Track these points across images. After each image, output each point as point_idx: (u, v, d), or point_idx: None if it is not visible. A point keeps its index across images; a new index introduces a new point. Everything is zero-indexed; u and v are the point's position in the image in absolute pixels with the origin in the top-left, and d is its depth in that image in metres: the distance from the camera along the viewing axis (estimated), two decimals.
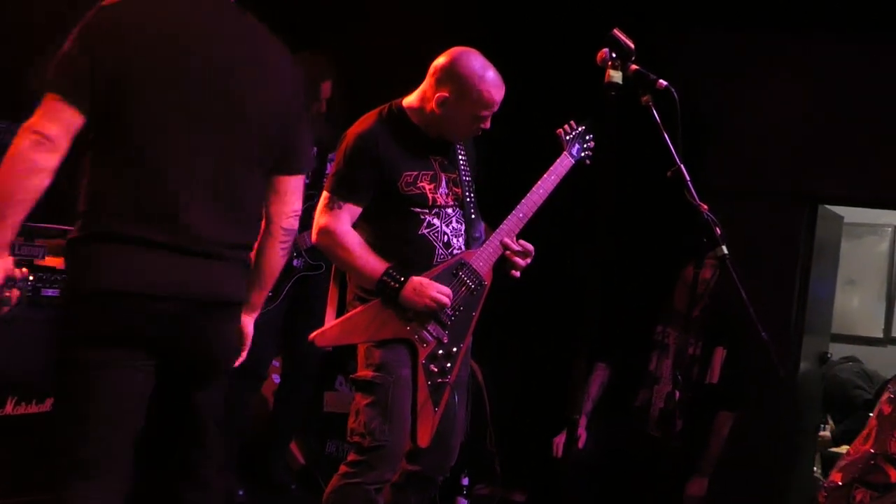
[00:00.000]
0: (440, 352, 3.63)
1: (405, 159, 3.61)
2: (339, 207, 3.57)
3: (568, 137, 3.90)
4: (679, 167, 3.02)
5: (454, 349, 3.66)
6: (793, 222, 6.01)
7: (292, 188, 3.01)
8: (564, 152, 3.89)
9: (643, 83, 3.04)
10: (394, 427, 3.56)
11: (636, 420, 4.86)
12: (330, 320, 3.73)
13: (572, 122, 3.93)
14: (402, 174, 3.59)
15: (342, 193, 3.58)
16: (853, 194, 6.10)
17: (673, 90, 3.01)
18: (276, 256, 3.08)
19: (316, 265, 4.84)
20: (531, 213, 3.79)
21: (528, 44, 5.80)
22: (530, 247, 3.79)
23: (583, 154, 3.94)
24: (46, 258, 4.38)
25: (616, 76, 2.94)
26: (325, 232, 3.58)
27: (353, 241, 3.57)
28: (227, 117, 2.78)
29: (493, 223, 3.81)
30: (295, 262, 4.83)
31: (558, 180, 3.86)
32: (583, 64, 3.32)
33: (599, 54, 3.01)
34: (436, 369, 3.61)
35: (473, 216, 3.78)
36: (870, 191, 5.93)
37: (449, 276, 3.65)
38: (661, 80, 3.03)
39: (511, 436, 5.55)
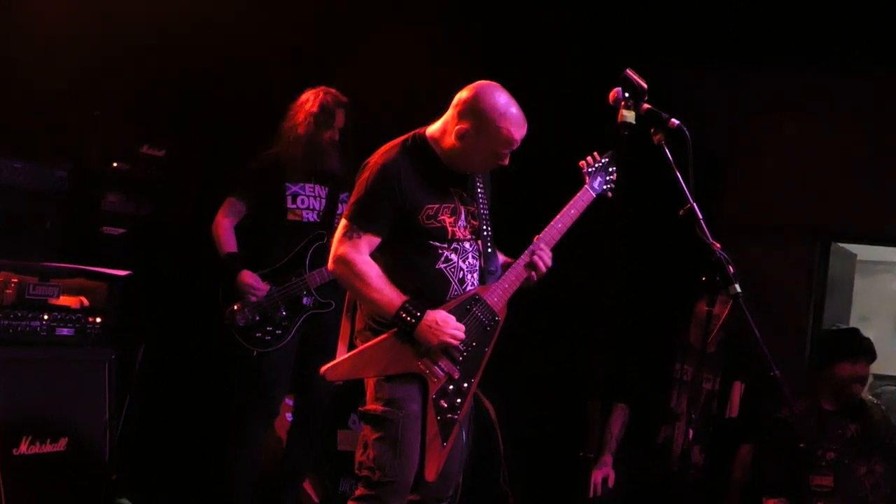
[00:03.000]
0: (451, 387, 3.60)
1: (427, 192, 3.60)
2: (358, 237, 3.53)
3: (590, 170, 3.86)
4: (692, 205, 3.04)
5: (465, 385, 3.64)
6: (806, 259, 6.00)
7: None
8: (586, 185, 3.86)
9: (656, 122, 3.07)
10: (403, 462, 3.54)
11: (659, 457, 4.84)
12: (341, 354, 3.72)
13: (595, 154, 3.89)
14: (423, 207, 3.57)
15: (361, 223, 3.54)
16: (866, 232, 6.09)
17: (685, 129, 3.03)
18: None
19: (326, 303, 4.84)
20: (550, 246, 3.77)
21: (540, 78, 5.82)
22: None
23: (605, 187, 3.90)
24: (61, 297, 4.40)
25: (629, 116, 2.97)
26: (343, 261, 3.53)
27: (371, 272, 3.52)
28: None
29: (511, 254, 3.80)
30: (305, 301, 4.83)
31: (578, 214, 3.84)
32: (595, 100, 3.35)
33: (612, 93, 3.03)
34: (446, 405, 3.59)
35: (490, 250, 3.77)
36: (883, 228, 5.92)
37: (462, 311, 3.63)
38: (673, 119, 3.06)
39: (526, 475, 5.52)
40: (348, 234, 3.54)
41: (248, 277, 4.76)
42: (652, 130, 3.08)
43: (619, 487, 4.80)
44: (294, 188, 4.88)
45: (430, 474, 3.59)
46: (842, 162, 5.79)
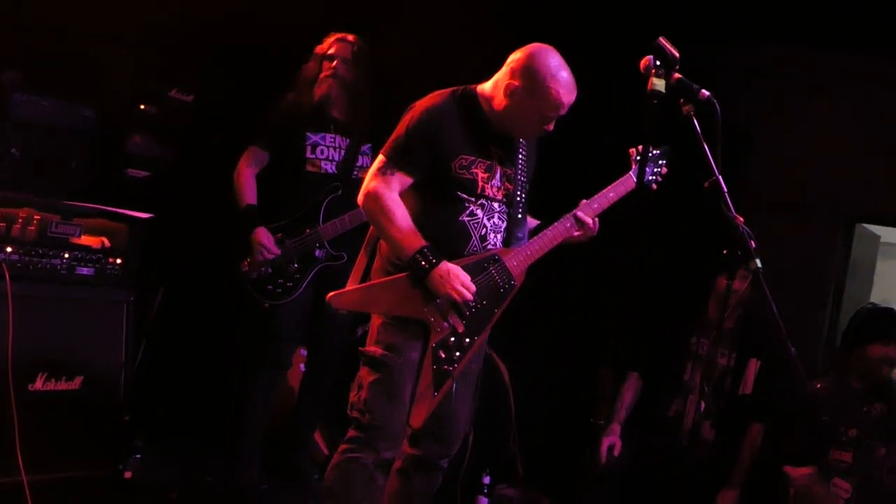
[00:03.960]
0: (452, 339, 3.62)
1: (466, 142, 3.61)
2: (392, 174, 3.56)
3: (639, 157, 3.88)
4: (717, 178, 3.01)
5: (467, 340, 3.65)
6: (828, 239, 5.96)
7: None
8: (630, 172, 3.90)
9: (686, 93, 3.05)
10: (394, 408, 3.58)
11: (669, 430, 4.84)
12: (352, 285, 3.74)
13: (650, 146, 3.92)
14: (458, 156, 3.59)
15: (397, 160, 3.57)
16: (891, 213, 6.05)
17: (715, 101, 3.01)
18: None
19: (338, 255, 4.84)
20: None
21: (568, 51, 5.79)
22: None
23: (650, 178, 3.93)
24: (83, 237, 4.41)
25: (659, 84, 2.95)
26: (372, 196, 3.55)
27: (398, 211, 3.54)
28: None
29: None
30: (317, 253, 4.84)
31: (616, 198, 3.89)
32: (623, 74, 3.33)
33: (643, 61, 3.01)
34: (444, 356, 3.60)
35: (520, 216, 3.78)
36: None
37: (478, 268, 3.65)
38: (703, 91, 3.03)
39: (536, 438, 5.54)
40: (382, 170, 3.57)
41: (263, 237, 4.76)
42: (681, 101, 3.05)
43: (626, 457, 4.80)
44: (315, 138, 4.88)
45: (417, 420, 3.61)
46: (868, 143, 5.73)
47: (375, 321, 3.67)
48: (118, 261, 4.48)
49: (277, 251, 4.77)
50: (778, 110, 5.88)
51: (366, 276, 3.76)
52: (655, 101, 2.93)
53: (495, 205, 3.70)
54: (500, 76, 3.64)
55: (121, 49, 5.19)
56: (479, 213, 3.66)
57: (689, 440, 4.70)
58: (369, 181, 3.58)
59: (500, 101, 3.62)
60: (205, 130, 5.59)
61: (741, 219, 3.08)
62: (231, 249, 4.85)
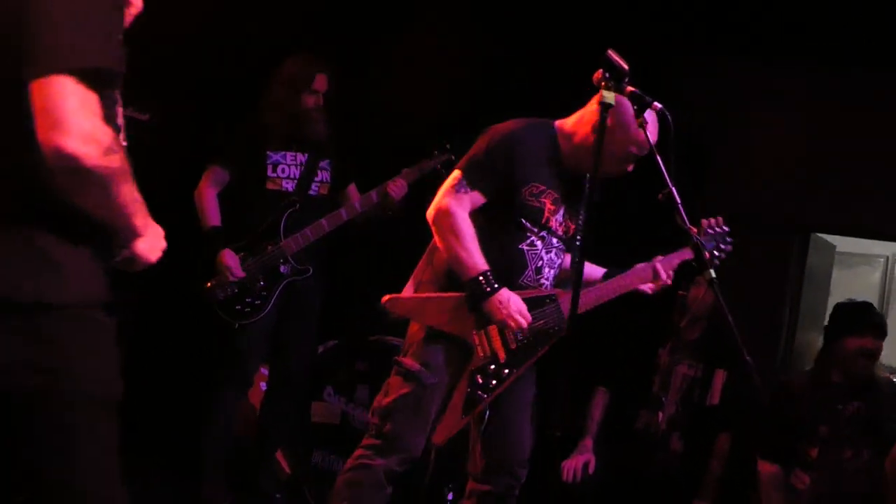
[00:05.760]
0: (492, 367, 3.62)
1: (540, 172, 3.62)
2: (466, 193, 3.56)
3: (709, 231, 3.92)
4: (671, 189, 3.04)
5: (506, 371, 3.64)
6: (785, 249, 6.03)
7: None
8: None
9: (639, 104, 3.07)
10: (417, 424, 3.60)
11: (638, 442, 4.86)
12: (408, 291, 3.74)
13: (719, 219, 3.95)
14: (530, 182, 3.59)
15: (474, 179, 3.57)
16: (846, 223, 6.12)
17: (667, 113, 3.04)
18: None
19: (303, 269, 4.84)
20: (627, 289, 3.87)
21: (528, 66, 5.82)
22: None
23: (715, 253, 3.91)
24: None
25: (609, 96, 2.98)
26: (445, 212, 3.54)
27: (468, 232, 3.54)
28: None
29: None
30: (282, 269, 4.83)
31: (671, 267, 3.89)
32: (581, 87, 3.36)
33: (596, 74, 3.04)
34: (480, 381, 3.61)
35: (576, 259, 3.71)
36: (863, 221, 5.95)
37: (535, 304, 3.65)
38: (656, 103, 3.06)
39: None
40: (457, 188, 3.57)
41: (229, 259, 4.74)
42: (635, 112, 3.09)
43: (598, 472, 4.81)
44: (275, 156, 4.88)
45: (440, 438, 3.64)
46: (823, 154, 5.81)
47: (418, 334, 3.66)
48: None
49: (243, 274, 4.75)
50: (734, 122, 5.94)
51: (419, 286, 3.77)
52: (605, 114, 2.96)
53: (555, 240, 3.71)
54: (588, 111, 3.64)
55: None
56: (539, 244, 3.67)
57: (658, 452, 4.72)
58: (443, 197, 3.58)
59: (584, 136, 3.61)
60: (161, 149, 5.55)
61: (695, 230, 3.11)
62: (194, 269, 4.82)
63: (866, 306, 4.76)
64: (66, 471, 2.18)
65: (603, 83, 2.98)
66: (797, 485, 4.49)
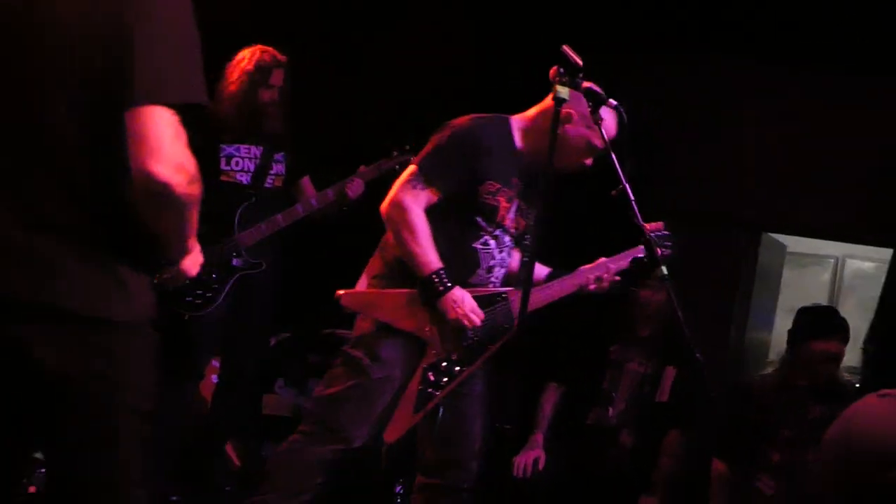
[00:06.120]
0: (444, 364, 3.61)
1: (496, 169, 3.58)
2: (422, 189, 3.52)
3: (653, 235, 3.80)
4: (624, 186, 3.05)
5: (457, 368, 3.63)
6: (736, 248, 6.07)
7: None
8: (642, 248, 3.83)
9: (594, 101, 3.09)
10: (361, 417, 3.57)
11: (589, 438, 4.87)
12: (362, 285, 3.71)
13: (661, 224, 3.93)
14: (487, 180, 3.56)
15: (430, 175, 3.53)
16: (797, 224, 6.18)
17: (622, 110, 3.06)
18: None
19: (256, 263, 4.81)
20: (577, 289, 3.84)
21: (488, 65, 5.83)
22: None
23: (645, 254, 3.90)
24: None
25: (562, 91, 2.99)
26: (399, 207, 3.51)
27: (422, 227, 3.50)
28: None
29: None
30: (234, 262, 4.80)
31: (616, 269, 3.86)
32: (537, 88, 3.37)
33: (552, 71, 3.05)
34: (432, 378, 3.59)
35: (525, 259, 3.77)
36: (813, 221, 6.01)
37: (487, 302, 3.64)
38: (611, 100, 3.08)
39: None
40: (413, 183, 3.53)
41: None
42: (590, 109, 3.10)
43: (549, 467, 4.82)
44: (228, 149, 4.84)
45: (391, 435, 3.60)
46: (776, 154, 5.86)
47: (368, 327, 3.62)
48: None
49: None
50: (687, 121, 5.97)
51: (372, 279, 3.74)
52: (558, 108, 2.97)
53: (507, 238, 3.69)
54: (545, 106, 3.61)
55: None
56: (492, 243, 3.65)
57: (609, 448, 4.74)
58: (398, 191, 3.54)
59: (545, 130, 3.46)
60: None
61: (648, 226, 3.12)
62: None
63: (832, 311, 4.80)
64: (102, 469, 2.34)
65: (557, 78, 2.99)
66: (765, 490, 4.53)
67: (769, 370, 4.87)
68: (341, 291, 3.60)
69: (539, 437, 4.88)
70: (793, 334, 4.66)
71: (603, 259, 3.87)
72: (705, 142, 5.96)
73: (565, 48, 2.99)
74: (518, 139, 3.67)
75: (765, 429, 4.56)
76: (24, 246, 2.20)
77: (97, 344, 2.27)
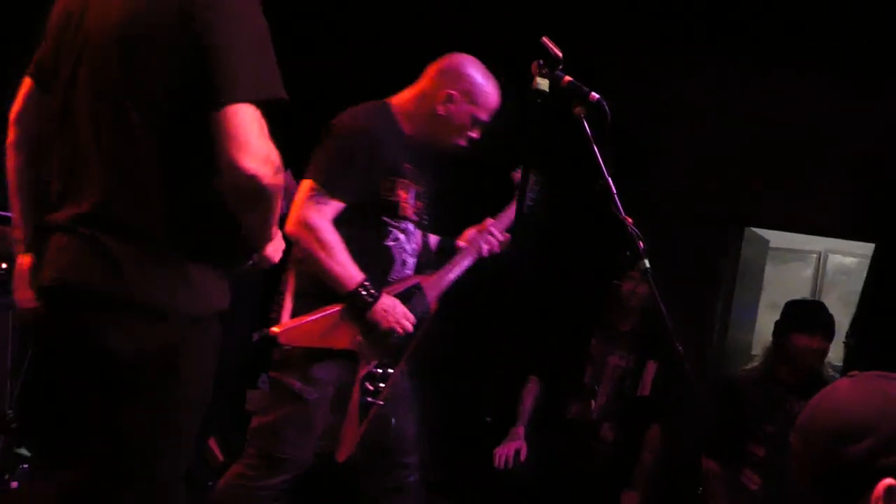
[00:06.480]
0: (379, 371, 3.56)
1: (391, 162, 3.49)
2: (325, 203, 3.36)
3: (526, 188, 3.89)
4: (606, 180, 3.05)
5: (390, 370, 3.60)
6: (719, 243, 6.08)
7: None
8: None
9: (576, 95, 3.08)
10: (305, 441, 3.49)
11: (569, 432, 4.87)
12: (289, 308, 3.51)
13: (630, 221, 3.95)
14: (386, 176, 3.47)
15: (330, 187, 3.38)
16: (780, 218, 6.19)
17: (605, 104, 3.05)
18: None
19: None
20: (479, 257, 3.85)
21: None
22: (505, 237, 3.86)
23: (530, 204, 3.90)
24: None
25: (543, 84, 2.98)
26: (307, 226, 3.35)
27: (336, 243, 3.37)
28: None
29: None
30: None
31: (503, 227, 3.90)
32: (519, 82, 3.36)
33: (533, 65, 3.04)
34: (371, 388, 3.53)
35: (426, 238, 3.76)
36: (796, 216, 6.02)
37: (406, 298, 3.59)
38: (593, 93, 3.07)
39: (436, 442, 5.53)
40: (315, 198, 3.36)
41: None
42: (572, 103, 3.09)
43: (530, 459, 4.82)
44: None
45: (343, 454, 3.53)
46: (758, 149, 5.87)
47: (295, 349, 3.47)
48: (3, 265, 4.37)
49: None
50: (670, 116, 5.98)
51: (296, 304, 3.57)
52: (539, 101, 2.96)
53: (411, 226, 3.62)
54: (426, 86, 3.59)
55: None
56: (402, 237, 3.58)
57: (590, 441, 4.75)
58: (302, 210, 3.36)
59: (429, 113, 3.55)
60: None
61: (630, 220, 3.12)
62: None
63: (818, 305, 4.81)
64: (148, 452, 2.47)
65: (538, 71, 2.98)
66: (749, 485, 4.53)
67: (754, 364, 4.86)
68: (276, 329, 3.40)
69: (520, 430, 4.89)
70: (777, 327, 4.67)
71: (489, 220, 3.88)
72: (688, 138, 5.97)
73: (545, 40, 2.98)
74: (403, 124, 3.58)
75: (749, 424, 4.56)
76: (96, 242, 2.34)
77: (164, 336, 2.39)
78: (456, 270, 3.79)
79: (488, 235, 3.84)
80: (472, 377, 5.52)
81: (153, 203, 2.37)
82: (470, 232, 3.93)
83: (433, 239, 3.87)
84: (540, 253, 5.10)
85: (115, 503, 2.48)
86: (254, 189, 2.30)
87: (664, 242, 4.13)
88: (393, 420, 3.63)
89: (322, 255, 3.37)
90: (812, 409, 1.80)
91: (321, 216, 3.36)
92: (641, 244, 3.08)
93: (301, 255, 3.45)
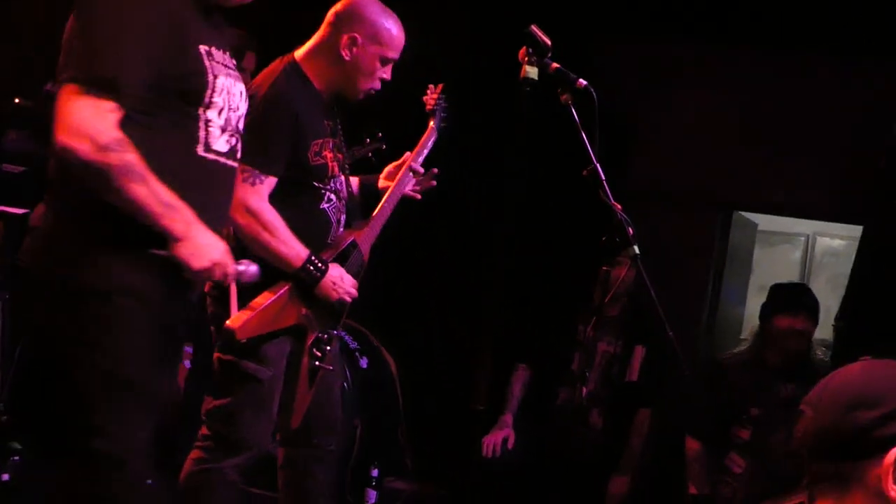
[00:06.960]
0: (325, 336, 3.49)
1: (311, 125, 3.41)
2: (261, 182, 3.27)
3: (435, 108, 3.88)
4: (595, 166, 3.05)
5: (333, 332, 3.55)
6: (707, 227, 6.09)
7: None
8: (431, 124, 3.88)
9: (564, 82, 3.08)
10: (261, 420, 3.46)
11: (558, 419, 4.88)
12: (235, 304, 3.39)
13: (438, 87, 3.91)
14: (310, 143, 3.38)
15: (261, 165, 3.27)
16: (768, 202, 6.20)
17: (592, 90, 3.05)
18: None
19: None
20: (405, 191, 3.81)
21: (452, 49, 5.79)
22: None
23: (441, 124, 3.89)
24: None
25: (532, 72, 2.98)
26: (249, 211, 3.26)
27: (278, 223, 3.30)
28: None
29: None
30: None
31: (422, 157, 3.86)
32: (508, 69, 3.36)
33: (521, 52, 3.04)
34: (319, 353, 3.47)
35: (349, 187, 3.68)
36: (784, 199, 6.04)
37: (344, 258, 3.52)
38: (581, 80, 3.07)
39: (425, 429, 5.55)
40: (250, 180, 3.26)
41: None
42: (559, 90, 3.09)
43: (518, 447, 4.83)
44: None
45: (296, 421, 3.49)
46: (746, 133, 5.88)
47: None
48: None
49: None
50: (658, 100, 5.99)
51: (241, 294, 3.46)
52: (528, 89, 2.96)
53: (338, 183, 3.53)
54: (327, 35, 3.47)
55: None
56: (334, 198, 3.50)
57: (579, 427, 4.75)
58: (238, 195, 3.17)
59: (335, 60, 3.43)
60: None
61: (619, 206, 3.12)
62: None
63: (801, 287, 4.83)
64: (76, 430, 2.65)
65: (526, 59, 2.97)
66: (733, 468, 4.55)
67: (742, 347, 4.88)
68: (232, 325, 3.25)
69: (508, 418, 4.90)
70: (763, 309, 4.68)
71: (408, 154, 3.83)
72: (676, 121, 5.97)
73: (533, 28, 2.98)
74: (314, 80, 3.48)
75: (735, 407, 4.58)
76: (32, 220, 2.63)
77: (78, 310, 2.52)
78: (383, 216, 3.70)
79: (409, 171, 3.78)
80: (460, 365, 5.55)
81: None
82: (390, 169, 3.87)
83: (354, 181, 3.78)
84: (528, 240, 5.09)
85: (67, 488, 2.64)
86: (73, 164, 2.37)
87: (653, 227, 4.14)
88: (345, 385, 3.61)
89: (266, 236, 3.29)
90: (825, 383, 1.83)
91: (259, 197, 3.28)
92: (630, 230, 3.09)
93: (246, 242, 3.33)
